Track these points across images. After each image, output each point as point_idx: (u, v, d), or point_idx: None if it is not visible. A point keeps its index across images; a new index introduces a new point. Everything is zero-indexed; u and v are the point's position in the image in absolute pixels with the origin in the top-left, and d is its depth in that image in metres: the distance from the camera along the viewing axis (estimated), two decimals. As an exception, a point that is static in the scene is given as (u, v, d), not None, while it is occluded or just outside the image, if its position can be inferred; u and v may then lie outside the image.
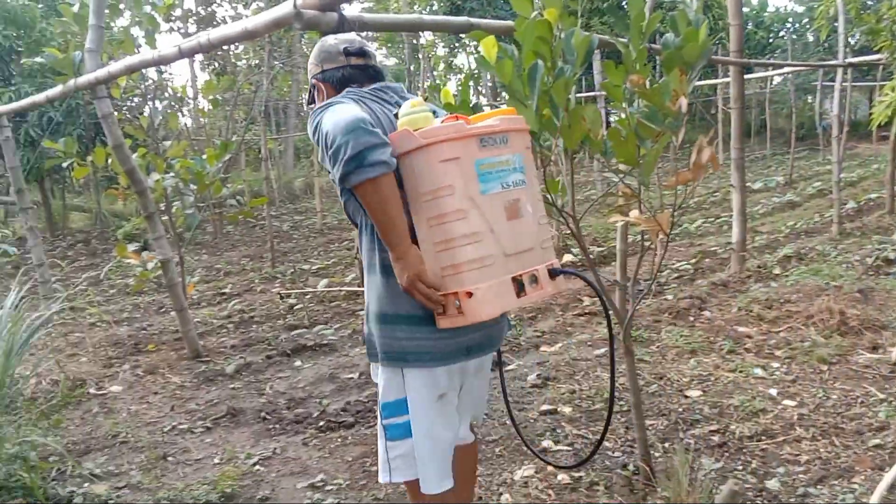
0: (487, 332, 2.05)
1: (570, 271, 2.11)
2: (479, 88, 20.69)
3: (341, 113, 1.77)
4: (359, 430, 3.81)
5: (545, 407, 3.86)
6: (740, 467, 3.08)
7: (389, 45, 25.14)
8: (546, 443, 3.43)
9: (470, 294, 1.83)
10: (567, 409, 3.83)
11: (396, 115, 1.95)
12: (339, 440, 3.68)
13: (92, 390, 4.63)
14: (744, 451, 3.22)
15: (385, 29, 3.49)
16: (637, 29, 2.26)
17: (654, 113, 2.24)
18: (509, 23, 3.24)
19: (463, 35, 18.73)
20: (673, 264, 7.08)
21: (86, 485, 3.31)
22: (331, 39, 2.21)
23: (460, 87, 2.49)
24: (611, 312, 2.40)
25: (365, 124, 1.72)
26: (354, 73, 2.13)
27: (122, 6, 4.98)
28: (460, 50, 23.74)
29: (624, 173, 2.52)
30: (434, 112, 2.00)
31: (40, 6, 12.76)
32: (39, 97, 5.05)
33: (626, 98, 2.34)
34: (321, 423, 3.91)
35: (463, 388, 2.19)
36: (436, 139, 1.80)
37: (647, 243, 3.06)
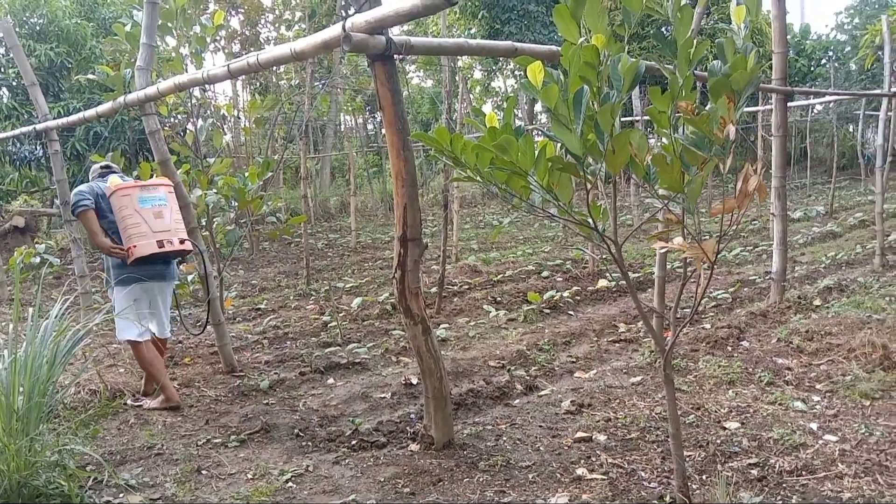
0: (156, 269, 4.53)
1: (191, 241, 4.65)
2: (517, 111, 20.76)
3: (76, 190, 4.48)
4: (391, 450, 3.80)
5: (580, 434, 3.82)
6: (780, 502, 3.01)
7: (427, 67, 25.33)
8: (580, 471, 3.39)
9: (135, 246, 4.31)
10: (602, 437, 3.78)
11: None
12: (371, 460, 3.68)
13: (129, 401, 4.69)
14: (783, 485, 3.15)
15: (431, 53, 3.52)
16: (684, 55, 2.26)
17: (701, 139, 2.23)
18: (554, 48, 3.25)
19: (502, 59, 18.83)
20: (711, 293, 6.98)
21: (121, 495, 3.35)
22: (95, 165, 4.86)
23: (503, 111, 2.52)
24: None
25: (80, 194, 4.43)
26: (102, 172, 4.74)
27: (170, 25, 5.09)
28: (497, 74, 23.87)
29: (668, 199, 2.50)
30: (136, 177, 4.89)
31: (91, 25, 13.15)
32: (90, 112, 5.18)
33: (671, 124, 2.33)
34: (353, 442, 3.91)
35: (153, 304, 4.61)
36: (120, 187, 4.37)
37: (688, 271, 3.03)
